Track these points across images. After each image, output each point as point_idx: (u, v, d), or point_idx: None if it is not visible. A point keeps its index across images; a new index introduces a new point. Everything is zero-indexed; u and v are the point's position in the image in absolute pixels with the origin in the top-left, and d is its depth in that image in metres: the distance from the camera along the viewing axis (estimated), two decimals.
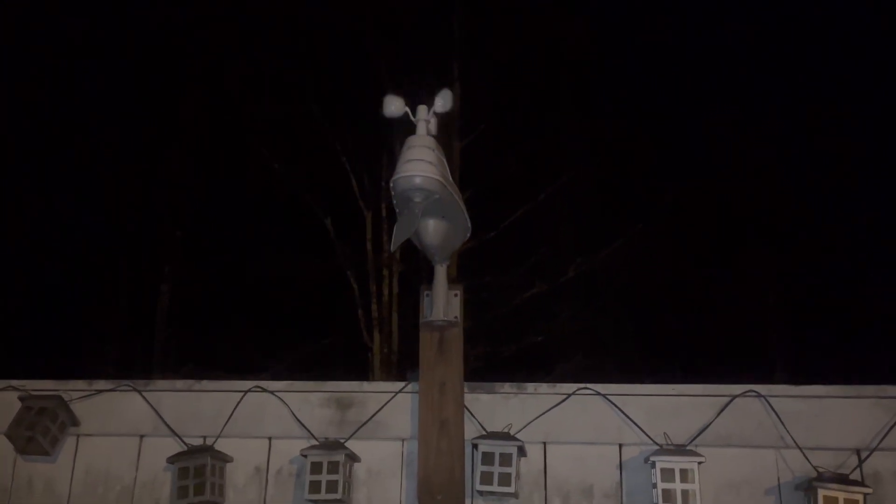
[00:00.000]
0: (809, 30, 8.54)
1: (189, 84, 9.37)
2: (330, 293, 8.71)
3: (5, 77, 8.88)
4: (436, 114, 1.83)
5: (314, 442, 2.07)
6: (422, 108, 1.87)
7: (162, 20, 8.92)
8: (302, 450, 2.03)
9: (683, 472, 1.89)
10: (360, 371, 8.19)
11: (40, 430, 2.07)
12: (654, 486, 1.91)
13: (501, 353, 7.82)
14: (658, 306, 8.46)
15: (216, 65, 9.04)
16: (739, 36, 8.94)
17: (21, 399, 2.15)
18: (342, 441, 2.06)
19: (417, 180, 1.80)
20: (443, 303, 2.05)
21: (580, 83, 8.40)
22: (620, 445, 2.02)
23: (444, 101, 1.84)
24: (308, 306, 8.75)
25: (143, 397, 2.18)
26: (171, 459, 2.07)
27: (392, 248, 1.87)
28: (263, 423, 2.13)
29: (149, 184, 9.68)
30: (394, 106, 1.83)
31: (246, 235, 8.77)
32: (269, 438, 2.13)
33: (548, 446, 2.05)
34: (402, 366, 8.10)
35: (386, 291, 8.50)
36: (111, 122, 9.42)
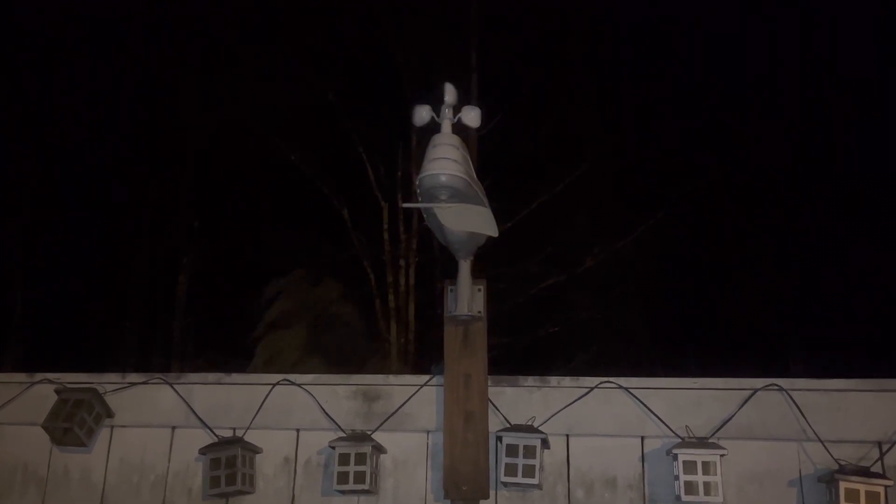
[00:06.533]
0: (830, 21, 8.44)
1: (206, 74, 9.41)
2: (347, 283, 8.77)
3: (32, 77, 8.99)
4: (462, 122, 1.86)
5: (341, 434, 2.11)
6: (445, 107, 1.90)
7: (178, 9, 8.95)
8: (330, 441, 2.08)
9: (706, 465, 1.92)
10: (377, 360, 8.26)
11: (77, 422, 2.13)
12: (677, 477, 1.94)
13: (518, 343, 7.84)
14: (674, 297, 8.45)
15: (233, 54, 9.07)
16: (760, 22, 8.83)
17: (57, 392, 2.21)
18: (369, 433, 2.11)
19: (443, 178, 1.83)
20: (467, 297, 2.09)
21: (598, 72, 8.37)
22: (643, 438, 2.05)
23: (472, 115, 1.86)
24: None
25: (175, 390, 2.23)
26: (203, 450, 2.12)
27: (450, 227, 1.89)
28: (292, 415, 2.18)
29: (166, 176, 9.77)
30: (421, 114, 1.86)
31: (263, 226, 8.83)
32: (297, 430, 2.18)
33: (571, 438, 2.08)
34: (420, 355, 8.15)
35: (403, 282, 8.54)
36: (125, 116, 9.51)
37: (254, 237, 8.76)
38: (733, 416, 2.02)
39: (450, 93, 1.86)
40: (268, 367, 7.91)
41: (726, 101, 8.61)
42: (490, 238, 2.09)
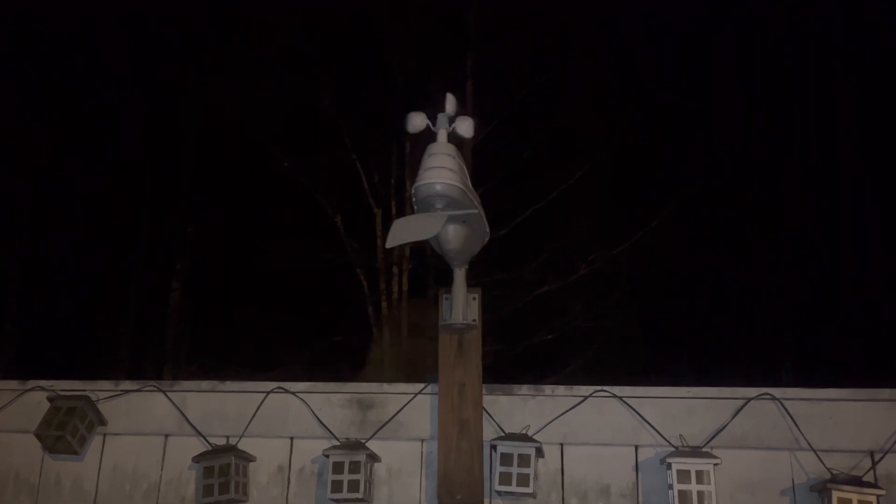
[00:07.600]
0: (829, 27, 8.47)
1: (200, 80, 9.40)
2: (340, 290, 8.75)
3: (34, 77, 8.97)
4: (456, 132, 1.87)
5: (336, 442, 2.11)
6: (442, 116, 1.91)
7: (172, 14, 8.95)
8: (324, 450, 2.07)
9: (699, 474, 1.92)
10: (370, 368, 8.24)
11: (70, 430, 2.11)
12: (671, 487, 1.94)
13: (512, 351, 7.84)
14: (668, 305, 8.47)
15: (226, 60, 9.07)
16: (759, 28, 8.85)
17: (50, 399, 2.19)
18: (363, 441, 2.10)
19: (439, 187, 1.84)
20: (462, 306, 2.09)
21: (593, 80, 8.39)
22: (636, 447, 2.05)
23: (465, 126, 1.87)
24: (318, 303, 8.80)
25: (168, 398, 2.22)
26: (197, 459, 2.11)
27: (387, 246, 1.92)
28: (286, 423, 2.18)
29: (160, 182, 9.76)
30: (416, 121, 1.87)
31: (256, 232, 8.82)
32: (291, 438, 2.17)
33: (565, 447, 2.08)
34: (412, 363, 8.13)
35: (395, 289, 8.53)
36: (119, 120, 9.50)
37: (247, 244, 8.75)
38: (727, 425, 2.02)
39: (451, 103, 1.87)
40: None
41: (722, 109, 8.65)
42: (485, 245, 2.10)
